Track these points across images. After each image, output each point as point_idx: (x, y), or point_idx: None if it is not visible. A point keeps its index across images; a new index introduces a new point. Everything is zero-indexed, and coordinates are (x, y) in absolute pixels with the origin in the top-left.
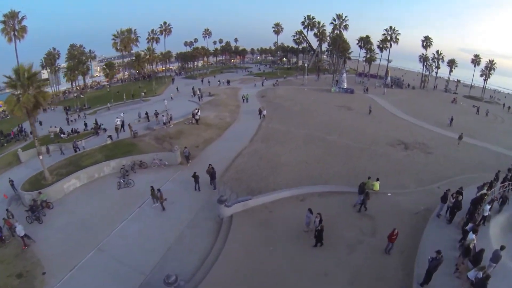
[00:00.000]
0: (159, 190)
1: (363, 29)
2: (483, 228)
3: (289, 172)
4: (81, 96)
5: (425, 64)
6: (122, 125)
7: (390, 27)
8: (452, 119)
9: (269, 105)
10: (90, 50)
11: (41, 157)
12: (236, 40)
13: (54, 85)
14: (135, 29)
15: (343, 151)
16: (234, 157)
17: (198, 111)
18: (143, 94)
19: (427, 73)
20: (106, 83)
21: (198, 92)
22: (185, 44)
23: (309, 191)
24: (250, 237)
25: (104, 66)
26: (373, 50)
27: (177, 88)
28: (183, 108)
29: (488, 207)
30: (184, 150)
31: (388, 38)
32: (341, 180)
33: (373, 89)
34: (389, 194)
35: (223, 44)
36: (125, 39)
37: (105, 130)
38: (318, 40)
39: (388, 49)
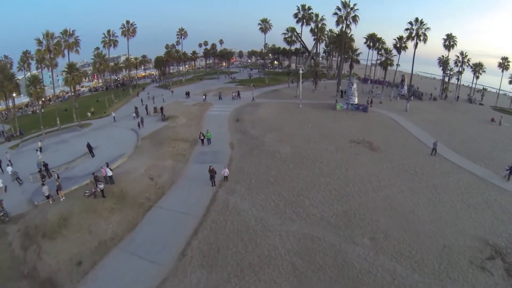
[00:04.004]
0: None
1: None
2: None
3: None
4: (37, 112)
5: (446, 69)
6: None
7: (417, 20)
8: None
9: (242, 139)
10: (50, 57)
11: None
12: (221, 42)
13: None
14: (73, 30)
15: None
16: None
17: (106, 173)
18: (89, 114)
19: (443, 79)
20: (71, 93)
21: (139, 115)
22: (166, 47)
23: None
24: None
25: (28, 82)
26: (390, 51)
27: (145, 109)
28: (114, 147)
29: None
30: None
31: (413, 34)
32: None
33: (387, 101)
34: None
35: (208, 46)
36: (53, 44)
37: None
38: (314, 39)
39: (414, 49)
